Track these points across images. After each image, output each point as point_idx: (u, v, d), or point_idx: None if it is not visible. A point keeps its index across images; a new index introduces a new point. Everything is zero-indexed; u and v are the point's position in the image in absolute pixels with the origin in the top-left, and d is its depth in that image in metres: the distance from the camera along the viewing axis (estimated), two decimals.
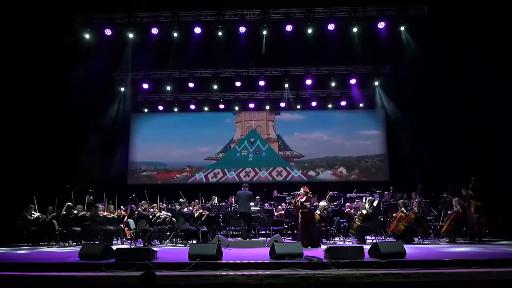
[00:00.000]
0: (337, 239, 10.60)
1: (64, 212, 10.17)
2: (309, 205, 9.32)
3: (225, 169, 15.82)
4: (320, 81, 14.83)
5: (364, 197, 11.48)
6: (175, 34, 11.98)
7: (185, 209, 9.99)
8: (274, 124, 16.42)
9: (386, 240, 9.57)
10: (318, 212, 9.98)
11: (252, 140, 16.19)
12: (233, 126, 16.37)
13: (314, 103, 15.71)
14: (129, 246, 9.40)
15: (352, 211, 10.60)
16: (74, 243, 10.15)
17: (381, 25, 11.76)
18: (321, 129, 16.04)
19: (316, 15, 11.86)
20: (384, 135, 15.67)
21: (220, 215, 10.80)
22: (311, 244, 8.74)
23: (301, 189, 9.28)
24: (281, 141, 16.17)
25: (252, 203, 10.32)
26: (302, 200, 9.12)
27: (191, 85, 14.65)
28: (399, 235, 9.68)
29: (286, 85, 14.81)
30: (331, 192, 11.20)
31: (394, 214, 10.14)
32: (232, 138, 16.29)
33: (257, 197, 12.00)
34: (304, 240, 8.79)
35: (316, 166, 15.76)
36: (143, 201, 10.55)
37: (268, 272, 5.86)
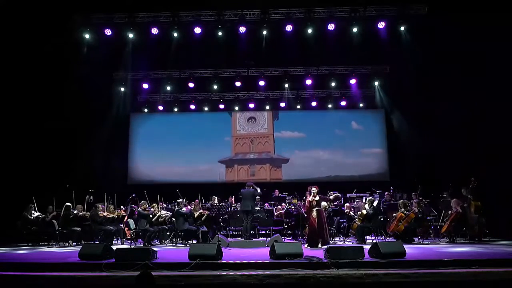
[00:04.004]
0: (337, 239, 10.59)
1: (64, 212, 10.18)
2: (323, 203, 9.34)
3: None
4: (320, 81, 14.81)
5: (364, 197, 11.48)
6: (175, 34, 11.97)
7: (184, 209, 9.99)
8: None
9: (386, 240, 9.56)
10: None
11: None
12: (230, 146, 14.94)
13: (314, 103, 15.68)
14: (129, 246, 9.40)
15: (351, 213, 10.58)
16: (74, 243, 10.15)
17: (381, 25, 11.76)
18: (321, 147, 15.31)
19: (316, 15, 11.86)
20: (385, 151, 15.21)
21: (220, 215, 10.80)
22: (324, 242, 8.75)
23: (314, 188, 9.21)
24: None
25: (255, 201, 10.31)
26: (317, 198, 9.09)
27: (191, 85, 14.64)
28: (399, 235, 9.67)
29: (286, 85, 14.80)
30: (331, 192, 11.19)
31: (394, 214, 10.13)
32: None
33: (257, 197, 11.98)
34: (319, 238, 8.80)
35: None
36: (143, 201, 10.54)
37: (268, 272, 5.86)
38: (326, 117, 15.74)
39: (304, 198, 10.68)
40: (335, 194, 10.83)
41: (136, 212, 10.40)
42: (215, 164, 15.65)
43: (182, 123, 16.07)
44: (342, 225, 10.61)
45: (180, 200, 10.59)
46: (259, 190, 10.00)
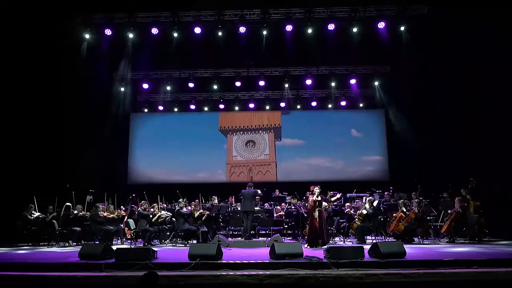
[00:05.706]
0: (337, 239, 10.59)
1: (64, 212, 10.18)
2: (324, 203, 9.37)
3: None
4: (320, 81, 14.81)
5: (364, 197, 11.47)
6: (175, 34, 11.97)
7: (184, 209, 9.99)
8: None
9: (386, 240, 9.57)
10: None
11: None
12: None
13: (314, 103, 15.68)
14: (129, 246, 9.40)
15: (351, 212, 10.58)
16: (74, 243, 10.15)
17: (381, 25, 11.75)
18: (321, 154, 15.10)
19: (316, 15, 11.85)
20: (385, 154, 15.13)
21: (220, 215, 10.80)
22: (324, 242, 8.79)
23: (316, 188, 9.21)
24: None
25: (255, 201, 10.33)
26: (319, 198, 9.10)
27: (191, 85, 14.64)
28: (399, 235, 9.68)
29: (286, 85, 14.79)
30: (331, 192, 11.18)
31: (394, 214, 10.14)
32: None
33: (257, 197, 11.98)
34: (319, 238, 8.82)
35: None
36: (143, 201, 10.55)
37: (268, 272, 5.87)
38: (326, 121, 15.66)
39: (304, 198, 10.69)
40: (335, 195, 10.83)
41: (136, 212, 10.40)
42: (215, 165, 15.60)
43: (182, 123, 16.05)
44: (342, 225, 10.62)
45: (181, 200, 10.60)
46: (259, 192, 10.03)
